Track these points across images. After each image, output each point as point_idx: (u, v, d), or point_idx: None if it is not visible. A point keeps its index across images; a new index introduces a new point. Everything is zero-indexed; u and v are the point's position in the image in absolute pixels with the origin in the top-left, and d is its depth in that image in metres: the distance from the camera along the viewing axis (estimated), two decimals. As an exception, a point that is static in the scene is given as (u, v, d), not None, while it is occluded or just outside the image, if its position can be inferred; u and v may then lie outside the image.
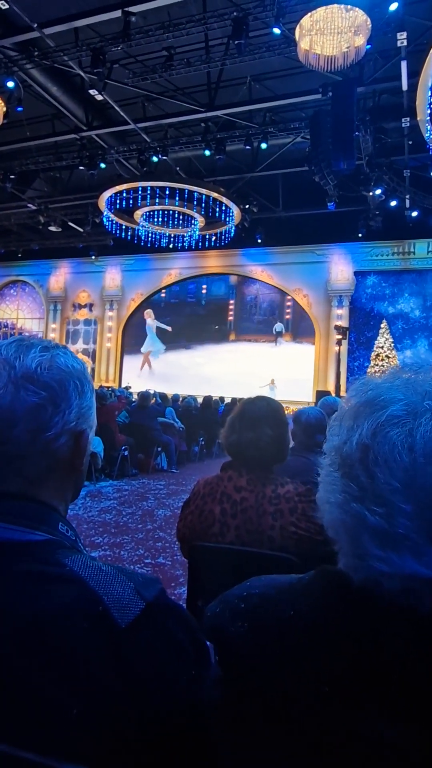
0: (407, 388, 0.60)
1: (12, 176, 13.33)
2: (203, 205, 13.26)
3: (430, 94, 8.17)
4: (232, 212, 13.91)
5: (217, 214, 13.74)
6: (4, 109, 9.50)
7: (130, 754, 0.57)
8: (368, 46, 7.41)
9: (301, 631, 0.60)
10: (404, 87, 9.06)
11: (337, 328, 15.50)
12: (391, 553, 0.55)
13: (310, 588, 0.64)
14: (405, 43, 7.89)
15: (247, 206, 14.34)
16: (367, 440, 0.58)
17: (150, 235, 15.54)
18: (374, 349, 15.90)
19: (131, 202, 13.50)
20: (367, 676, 0.54)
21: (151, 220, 14.85)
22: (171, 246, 15.94)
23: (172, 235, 15.50)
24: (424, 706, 0.52)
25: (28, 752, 0.53)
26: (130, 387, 15.77)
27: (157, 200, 13.40)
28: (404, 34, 7.74)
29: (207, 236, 15.51)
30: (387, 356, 15.62)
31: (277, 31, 7.83)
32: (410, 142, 10.72)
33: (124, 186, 13.14)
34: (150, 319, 19.20)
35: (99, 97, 10.31)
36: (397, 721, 0.52)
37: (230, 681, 0.64)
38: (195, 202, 13.25)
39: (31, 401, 0.70)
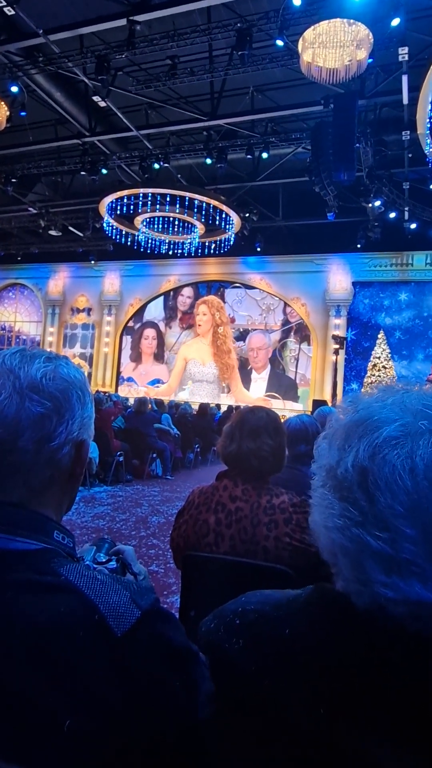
0: (400, 407, 0.59)
1: (14, 180, 13.37)
2: (203, 212, 13.32)
3: (430, 108, 8.25)
4: (232, 220, 13.97)
5: (217, 222, 13.80)
6: (8, 113, 9.53)
7: (124, 765, 0.56)
8: (370, 60, 7.47)
9: (299, 650, 0.59)
10: (405, 101, 9.14)
11: (334, 337, 15.53)
12: (397, 578, 0.53)
13: (309, 607, 0.63)
14: (406, 58, 7.98)
15: (247, 215, 14.40)
16: (365, 462, 0.57)
17: (150, 241, 15.58)
18: (371, 359, 15.94)
19: (132, 208, 13.54)
20: (369, 700, 0.54)
21: (151, 226, 14.89)
22: (170, 252, 15.96)
23: (172, 242, 15.54)
24: (427, 734, 0.51)
25: (16, 765, 0.53)
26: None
27: (157, 207, 13.45)
28: (406, 49, 7.82)
29: (206, 243, 15.55)
30: (384, 367, 15.66)
31: (280, 43, 7.90)
32: (410, 155, 10.81)
33: (125, 192, 13.19)
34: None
35: (102, 104, 10.36)
36: (398, 746, 0.51)
37: (224, 696, 0.63)
38: (195, 210, 13.30)
39: (36, 411, 0.70)
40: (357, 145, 9.36)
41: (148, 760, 0.57)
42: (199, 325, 18.71)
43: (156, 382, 19.31)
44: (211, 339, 18.58)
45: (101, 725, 0.55)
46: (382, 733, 0.52)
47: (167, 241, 15.48)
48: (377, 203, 11.91)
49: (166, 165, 12.28)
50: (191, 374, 18.78)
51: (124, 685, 0.57)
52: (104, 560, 1.00)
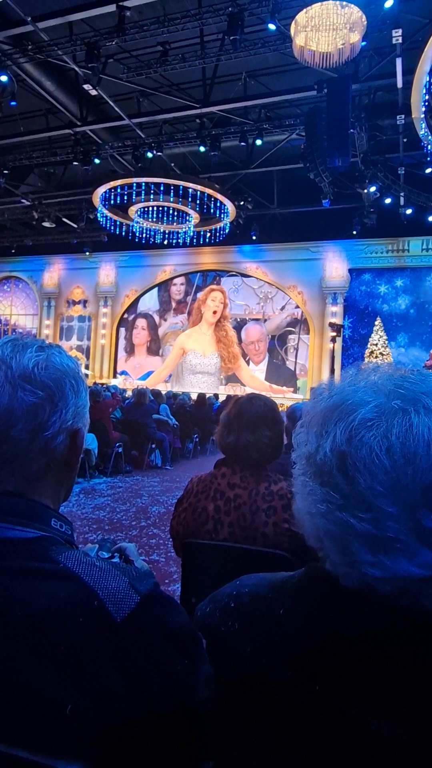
0: (372, 389, 0.60)
1: (5, 171, 13.24)
2: (198, 201, 13.24)
3: (425, 91, 8.18)
4: (227, 209, 13.89)
5: (211, 211, 13.72)
6: (-2, 103, 9.43)
7: (126, 748, 0.56)
8: (363, 43, 7.40)
9: (292, 629, 0.60)
10: (399, 84, 9.06)
11: (331, 325, 15.51)
12: (383, 557, 0.54)
13: (301, 587, 0.63)
14: (400, 41, 7.88)
15: (241, 203, 14.32)
16: (343, 446, 0.57)
17: (144, 231, 15.49)
18: (368, 346, 15.93)
19: (126, 198, 13.45)
20: (362, 675, 0.54)
21: (145, 216, 14.80)
22: (165, 242, 15.89)
23: (167, 232, 15.45)
24: (420, 704, 0.52)
25: (19, 749, 0.53)
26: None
27: (151, 196, 13.35)
28: (399, 31, 7.72)
29: (202, 233, 15.47)
30: (381, 353, 15.66)
31: (272, 27, 7.80)
32: (405, 140, 10.72)
33: (119, 182, 13.09)
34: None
35: (93, 92, 10.24)
36: (392, 717, 0.52)
37: (222, 678, 0.64)
38: (190, 199, 13.22)
39: (29, 401, 0.70)
40: (351, 130, 9.29)
41: (149, 742, 0.58)
42: (215, 312, 18.42)
43: (150, 375, 19.25)
44: (213, 329, 18.49)
45: (103, 709, 0.56)
46: (377, 706, 0.53)
47: (162, 230, 15.39)
48: (372, 189, 11.84)
49: (159, 154, 12.18)
50: (192, 366, 18.70)
51: (124, 670, 0.58)
52: (107, 557, 1.03)
